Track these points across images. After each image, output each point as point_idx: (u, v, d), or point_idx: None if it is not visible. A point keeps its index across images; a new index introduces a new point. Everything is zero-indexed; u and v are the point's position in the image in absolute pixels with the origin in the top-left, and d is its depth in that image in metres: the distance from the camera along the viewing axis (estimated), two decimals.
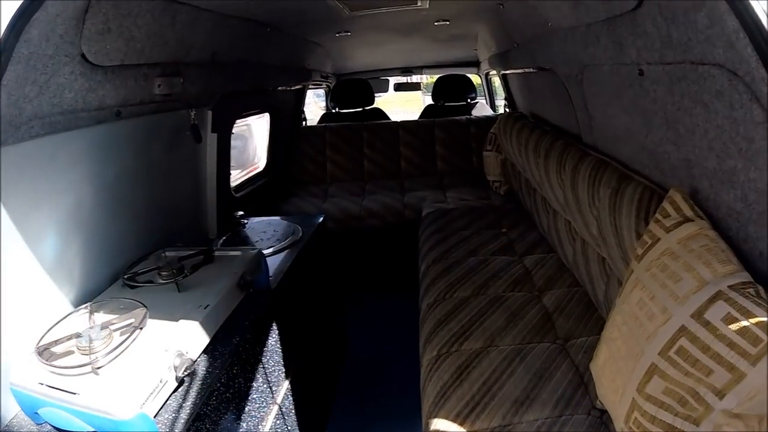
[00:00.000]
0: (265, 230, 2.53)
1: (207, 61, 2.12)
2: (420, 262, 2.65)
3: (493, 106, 5.18)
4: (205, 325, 1.46)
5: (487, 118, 4.13)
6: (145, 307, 1.45)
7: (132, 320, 1.39)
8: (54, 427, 1.16)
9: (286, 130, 3.98)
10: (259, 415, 1.71)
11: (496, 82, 5.05)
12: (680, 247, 1.17)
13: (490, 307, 1.97)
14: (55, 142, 1.35)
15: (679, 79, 1.22)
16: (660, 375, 1.05)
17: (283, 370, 1.90)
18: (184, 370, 1.30)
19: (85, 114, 1.47)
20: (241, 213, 2.54)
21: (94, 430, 1.14)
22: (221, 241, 2.40)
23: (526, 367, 1.60)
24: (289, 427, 1.92)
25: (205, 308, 1.51)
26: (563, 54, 2.03)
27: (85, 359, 1.21)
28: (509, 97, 4.06)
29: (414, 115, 4.91)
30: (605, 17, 1.46)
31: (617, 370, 1.20)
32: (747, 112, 1.02)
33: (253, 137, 4.60)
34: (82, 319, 1.39)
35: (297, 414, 1.98)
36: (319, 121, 4.72)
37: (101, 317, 1.41)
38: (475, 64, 4.86)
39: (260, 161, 3.96)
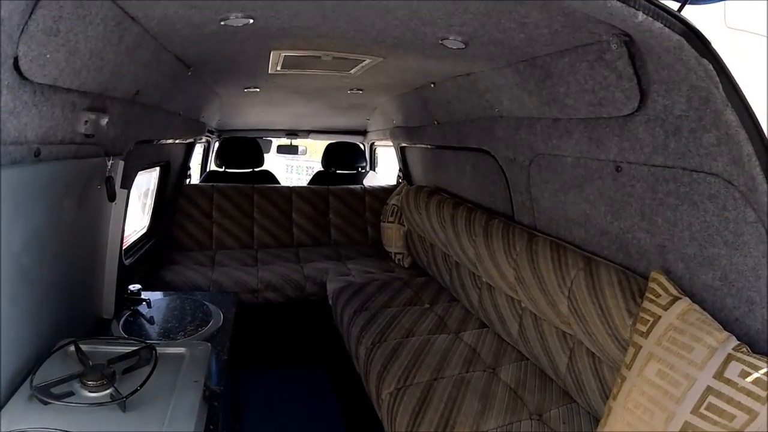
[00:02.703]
0: (172, 311, 2.33)
1: (129, 100, 1.94)
2: (353, 345, 2.65)
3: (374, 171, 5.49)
4: None
5: (381, 189, 4.39)
6: None
7: None
8: None
9: (172, 187, 3.70)
10: None
11: (380, 152, 5.42)
12: (681, 322, 1.47)
13: (458, 391, 2.08)
14: None
15: (666, 180, 1.56)
16: (693, 430, 1.32)
17: None
18: None
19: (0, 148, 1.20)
20: (138, 287, 2.31)
21: None
22: (121, 323, 2.13)
23: None
24: None
25: None
26: (510, 140, 2.35)
27: None
28: (405, 170, 4.38)
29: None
30: (585, 116, 1.78)
31: None
32: (740, 213, 1.36)
33: None
34: None
35: None
36: (202, 180, 4.49)
37: None
38: (361, 132, 5.16)
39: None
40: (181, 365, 1.60)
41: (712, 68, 1.22)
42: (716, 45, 1.22)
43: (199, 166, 5.09)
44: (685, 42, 1.18)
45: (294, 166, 12.35)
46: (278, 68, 2.58)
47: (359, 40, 1.94)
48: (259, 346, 3.34)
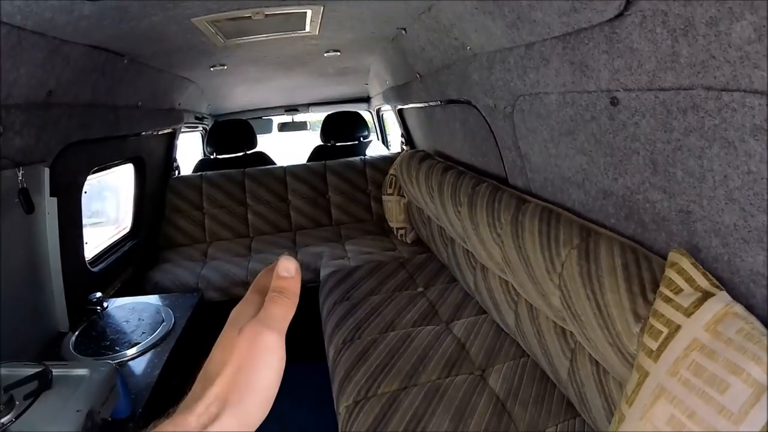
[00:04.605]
0: (128, 319, 2.08)
1: (39, 103, 1.60)
2: (327, 345, 2.17)
3: (385, 144, 4.93)
4: None
5: (383, 158, 3.82)
6: None
7: None
8: None
9: (156, 181, 3.31)
10: None
11: (388, 117, 4.84)
12: (712, 338, 0.87)
13: (428, 405, 1.56)
14: None
15: (683, 111, 0.94)
16: None
17: None
18: None
19: None
20: (98, 295, 2.08)
21: None
22: (75, 336, 1.91)
23: None
24: None
25: None
26: (486, 83, 1.75)
27: None
28: (407, 135, 3.80)
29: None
30: (561, 33, 1.17)
31: None
32: None
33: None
34: None
35: None
36: (194, 170, 4.07)
37: None
38: (365, 99, 4.58)
39: (122, 220, 3.21)
40: (78, 389, 1.35)
41: None
42: None
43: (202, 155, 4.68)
44: None
45: None
46: (222, 39, 2.16)
47: None
48: None
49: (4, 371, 1.35)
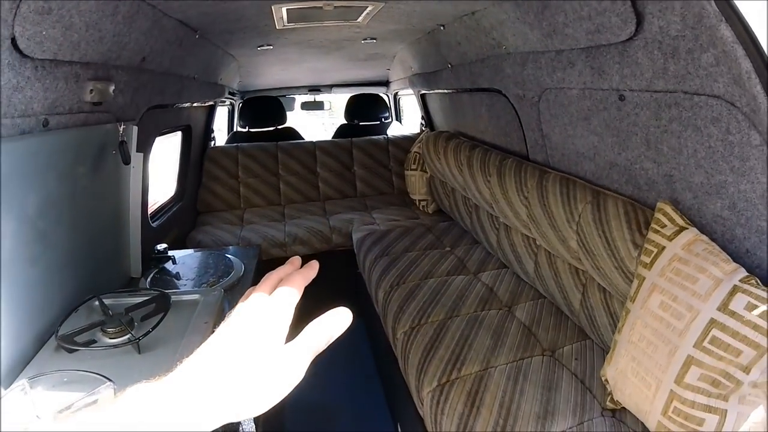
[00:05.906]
0: (197, 265, 2.37)
1: (136, 67, 1.98)
2: (373, 289, 2.69)
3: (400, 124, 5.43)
4: None
5: (404, 137, 4.33)
6: (108, 379, 1.24)
7: (94, 399, 1.14)
8: None
9: (198, 150, 3.77)
10: None
11: (404, 101, 5.32)
12: (686, 253, 1.40)
13: (471, 329, 2.08)
14: None
15: (669, 106, 1.46)
16: (696, 364, 1.27)
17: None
18: None
19: (8, 120, 1.24)
20: (164, 246, 2.37)
21: None
22: (148, 280, 2.17)
23: (533, 382, 1.73)
24: None
25: None
26: (519, 77, 2.25)
27: None
28: (427, 117, 4.29)
29: None
30: (586, 45, 1.67)
31: (647, 369, 1.39)
32: (744, 136, 1.26)
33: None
34: (17, 403, 1.09)
35: None
36: (227, 141, 4.54)
37: (45, 399, 1.16)
38: (383, 83, 5.06)
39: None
40: (194, 310, 1.63)
41: None
42: None
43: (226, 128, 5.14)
44: None
45: None
46: (285, 23, 2.56)
47: None
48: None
49: (115, 300, 1.66)
